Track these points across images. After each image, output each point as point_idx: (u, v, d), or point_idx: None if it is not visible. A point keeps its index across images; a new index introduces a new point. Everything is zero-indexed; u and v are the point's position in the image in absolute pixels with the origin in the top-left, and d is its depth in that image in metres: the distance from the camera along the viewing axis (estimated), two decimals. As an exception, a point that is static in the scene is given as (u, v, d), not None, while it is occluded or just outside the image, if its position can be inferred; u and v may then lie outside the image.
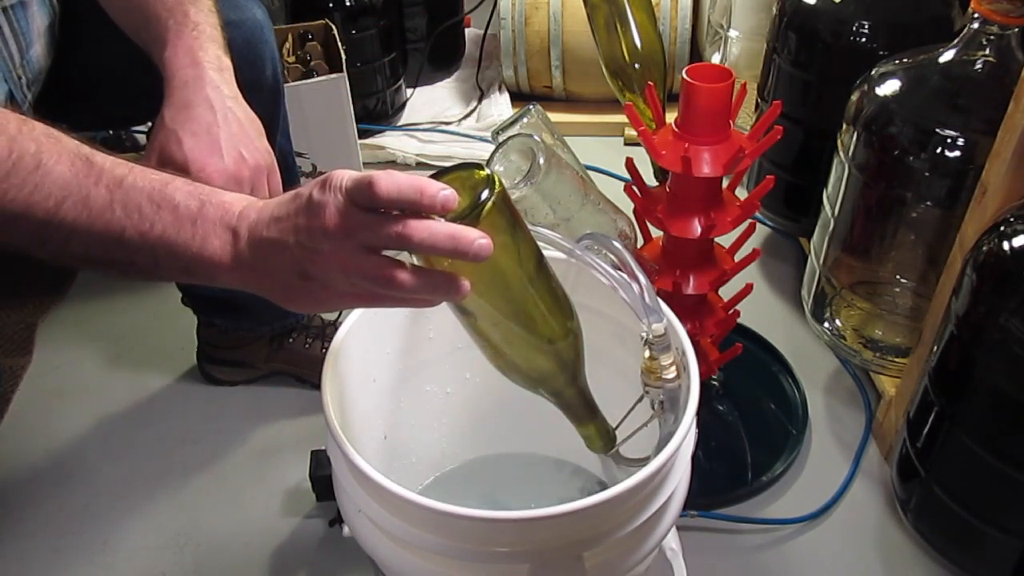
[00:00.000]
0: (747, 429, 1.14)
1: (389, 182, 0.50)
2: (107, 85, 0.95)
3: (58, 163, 0.56)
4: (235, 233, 0.56)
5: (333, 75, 1.39)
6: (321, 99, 1.38)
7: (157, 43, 0.77)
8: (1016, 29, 0.94)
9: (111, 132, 1.53)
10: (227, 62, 0.77)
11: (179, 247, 0.56)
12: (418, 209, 0.51)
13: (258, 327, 1.16)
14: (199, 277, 0.57)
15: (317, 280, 0.54)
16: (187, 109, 0.73)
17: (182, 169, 0.70)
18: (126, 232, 0.56)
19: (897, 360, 1.13)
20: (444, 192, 0.51)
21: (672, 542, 0.82)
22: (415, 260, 0.55)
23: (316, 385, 0.71)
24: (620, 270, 0.68)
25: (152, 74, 0.78)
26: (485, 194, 0.54)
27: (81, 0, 0.88)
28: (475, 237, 0.51)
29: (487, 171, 0.56)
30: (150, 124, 1.03)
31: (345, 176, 0.52)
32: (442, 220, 0.52)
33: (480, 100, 1.88)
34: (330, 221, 0.52)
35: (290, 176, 1.05)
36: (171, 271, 0.58)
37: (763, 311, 1.31)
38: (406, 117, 1.83)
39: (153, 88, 0.87)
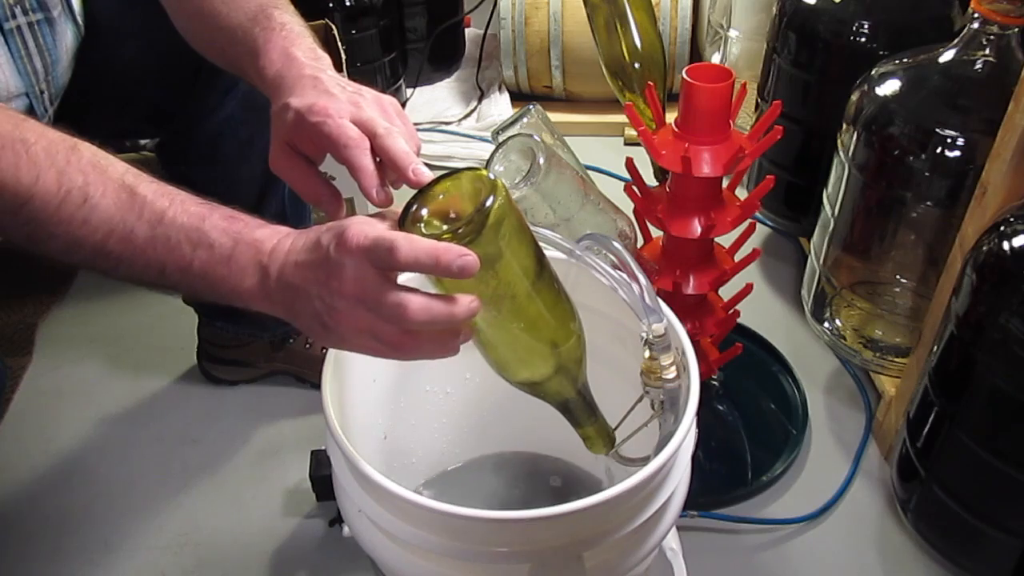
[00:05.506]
0: (747, 429, 1.14)
1: (408, 249, 0.52)
2: (118, 102, 0.94)
3: (104, 196, 0.58)
4: (266, 271, 0.58)
5: (333, 75, 1.38)
6: (321, 99, 1.38)
7: (249, 56, 0.73)
8: (1016, 29, 0.94)
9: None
10: (322, 54, 0.72)
11: (215, 283, 0.59)
12: (435, 275, 0.54)
13: (260, 332, 1.17)
14: (237, 305, 0.61)
15: (335, 333, 0.57)
16: (288, 90, 0.68)
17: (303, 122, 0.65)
18: (167, 268, 0.59)
19: (897, 360, 1.13)
20: (461, 260, 0.52)
21: (672, 542, 0.82)
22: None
23: (316, 385, 0.71)
24: (620, 270, 0.68)
25: (161, 93, 0.76)
26: (490, 201, 0.53)
27: (103, 19, 0.88)
28: (467, 302, 0.55)
29: (491, 176, 0.56)
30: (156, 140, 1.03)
31: (362, 235, 0.54)
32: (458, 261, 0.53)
33: (480, 100, 1.88)
34: (346, 285, 0.54)
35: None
36: (211, 298, 0.61)
37: (763, 311, 1.31)
38: (406, 117, 1.84)
39: (161, 107, 0.85)
